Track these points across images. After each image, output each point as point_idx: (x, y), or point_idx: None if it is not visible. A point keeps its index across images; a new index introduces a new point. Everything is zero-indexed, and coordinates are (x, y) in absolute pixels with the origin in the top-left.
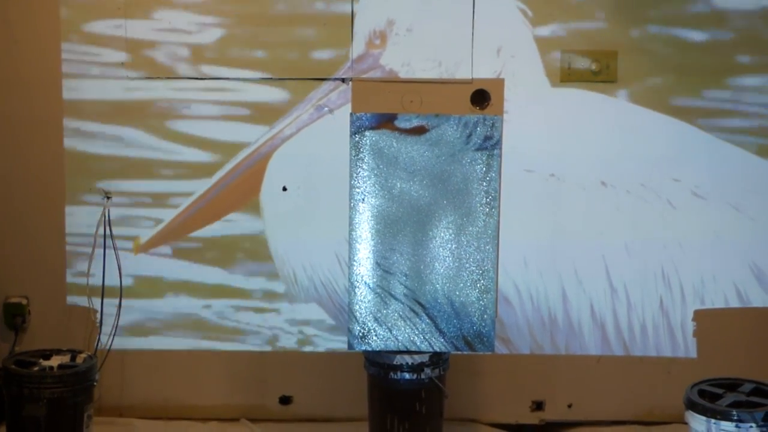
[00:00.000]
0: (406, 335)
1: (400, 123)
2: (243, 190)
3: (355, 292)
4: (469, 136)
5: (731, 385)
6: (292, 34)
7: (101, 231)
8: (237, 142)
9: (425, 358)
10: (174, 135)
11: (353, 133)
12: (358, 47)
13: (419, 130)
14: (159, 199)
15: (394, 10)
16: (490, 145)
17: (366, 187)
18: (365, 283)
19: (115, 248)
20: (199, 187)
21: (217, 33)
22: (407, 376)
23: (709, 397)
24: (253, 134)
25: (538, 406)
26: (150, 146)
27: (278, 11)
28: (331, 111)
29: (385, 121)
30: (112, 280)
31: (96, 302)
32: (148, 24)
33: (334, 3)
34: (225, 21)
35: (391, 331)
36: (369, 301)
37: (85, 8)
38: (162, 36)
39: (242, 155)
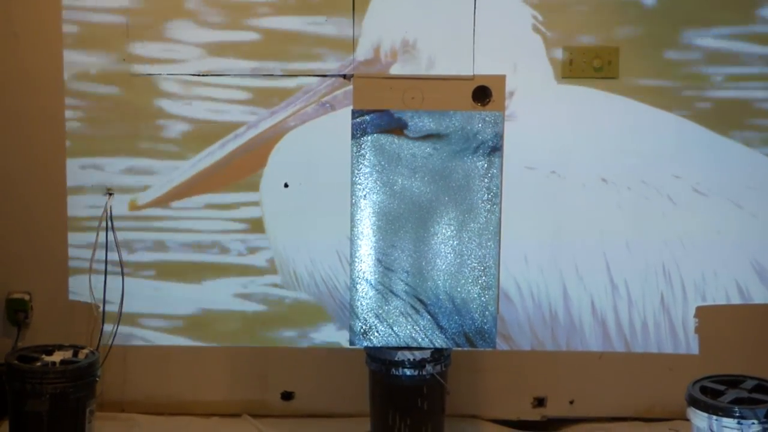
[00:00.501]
0: (407, 332)
1: (410, 132)
2: (241, 178)
3: (356, 289)
4: (474, 135)
5: (733, 381)
6: (296, 29)
7: (103, 227)
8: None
9: (427, 354)
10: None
11: (358, 136)
12: (366, 52)
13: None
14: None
15: (401, 23)
16: (492, 141)
17: (367, 183)
18: (366, 280)
19: (117, 243)
20: (197, 165)
21: (221, 28)
22: (409, 372)
23: (710, 394)
24: (252, 118)
25: (540, 402)
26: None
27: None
28: (332, 107)
29: (394, 128)
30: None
31: (98, 298)
32: (151, 21)
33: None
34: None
35: (392, 328)
36: (370, 298)
37: (86, 4)
38: (165, 33)
39: (243, 139)
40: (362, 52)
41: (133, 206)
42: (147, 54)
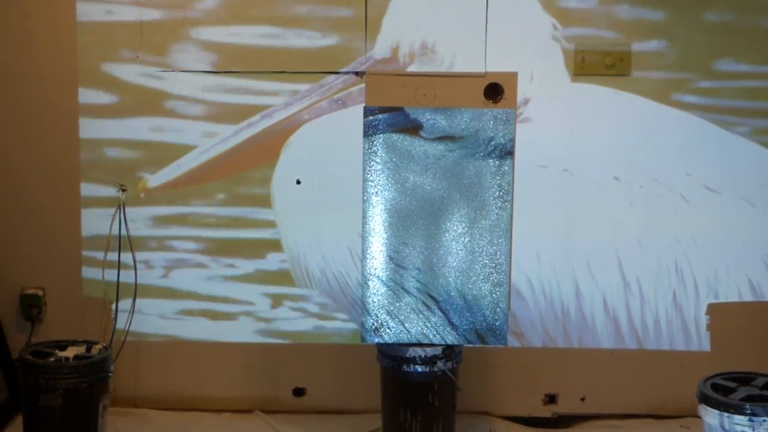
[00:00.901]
0: (419, 328)
1: (426, 133)
2: (253, 167)
3: (367, 286)
4: (485, 133)
5: (744, 378)
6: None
7: (116, 223)
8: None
9: (438, 350)
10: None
11: (371, 133)
12: (383, 51)
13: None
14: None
15: (421, 25)
16: (503, 139)
17: (379, 180)
18: (378, 276)
19: (130, 240)
20: (209, 151)
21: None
22: (420, 368)
23: (722, 391)
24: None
25: (551, 399)
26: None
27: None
28: (344, 104)
29: (409, 128)
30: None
31: (111, 293)
32: (165, 17)
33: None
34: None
35: (403, 325)
36: (381, 295)
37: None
38: (179, 30)
39: (257, 128)
40: (380, 51)
41: (143, 188)
42: (161, 50)
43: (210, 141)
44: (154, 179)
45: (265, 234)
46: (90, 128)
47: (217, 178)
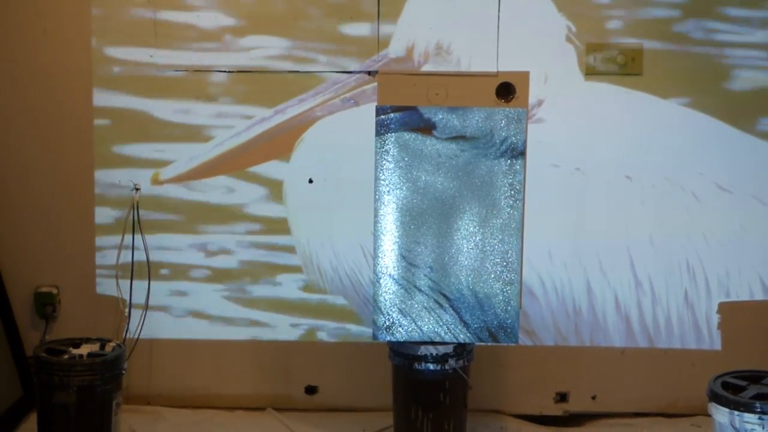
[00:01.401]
0: (431, 327)
1: (439, 133)
2: (265, 162)
3: (380, 284)
4: (497, 132)
5: (755, 377)
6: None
7: (130, 221)
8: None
9: (449, 349)
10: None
11: (384, 132)
12: (398, 51)
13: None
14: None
15: (435, 26)
16: (515, 138)
17: (391, 179)
18: (390, 275)
19: (143, 239)
20: (222, 145)
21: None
22: (431, 366)
23: (732, 389)
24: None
25: (562, 397)
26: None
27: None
28: (356, 103)
29: (422, 127)
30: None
31: (125, 292)
32: (178, 16)
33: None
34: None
35: (415, 323)
36: (393, 293)
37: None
38: (193, 30)
39: (269, 123)
40: (395, 51)
41: (155, 181)
42: (175, 49)
43: (223, 135)
44: (167, 172)
45: (276, 230)
46: (105, 127)
47: (229, 171)
